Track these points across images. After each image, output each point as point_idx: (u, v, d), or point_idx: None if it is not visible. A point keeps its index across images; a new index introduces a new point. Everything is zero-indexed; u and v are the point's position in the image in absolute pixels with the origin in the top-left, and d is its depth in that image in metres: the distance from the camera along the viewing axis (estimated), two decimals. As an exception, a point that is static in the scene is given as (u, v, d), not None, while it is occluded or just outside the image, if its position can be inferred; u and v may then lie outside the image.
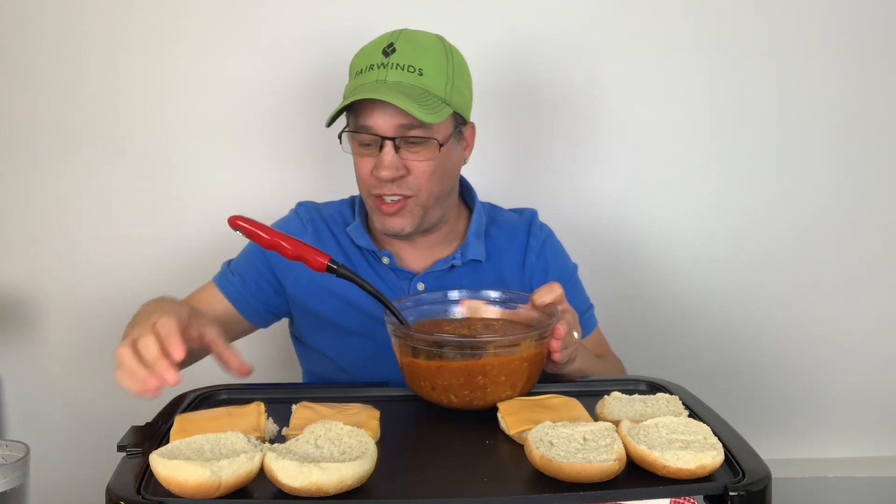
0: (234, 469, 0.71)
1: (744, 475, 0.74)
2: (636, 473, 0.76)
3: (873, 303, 1.71)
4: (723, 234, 1.68)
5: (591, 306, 1.33)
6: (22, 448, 0.92)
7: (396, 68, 1.11)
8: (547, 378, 1.05)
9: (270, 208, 1.32)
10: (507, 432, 0.86)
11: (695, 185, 1.68)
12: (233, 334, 1.26)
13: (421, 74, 1.11)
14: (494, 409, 0.91)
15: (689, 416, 0.88)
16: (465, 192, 1.30)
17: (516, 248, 1.28)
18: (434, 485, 0.77)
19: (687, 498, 0.73)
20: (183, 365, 0.86)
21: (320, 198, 1.33)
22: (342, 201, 1.32)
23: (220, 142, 1.63)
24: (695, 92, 1.65)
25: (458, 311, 1.09)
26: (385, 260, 1.23)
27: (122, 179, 1.63)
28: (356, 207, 1.27)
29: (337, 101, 1.14)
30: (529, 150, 1.67)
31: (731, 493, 0.72)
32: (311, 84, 1.60)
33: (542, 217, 1.34)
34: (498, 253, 1.26)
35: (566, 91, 1.64)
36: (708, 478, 0.75)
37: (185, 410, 0.93)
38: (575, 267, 1.34)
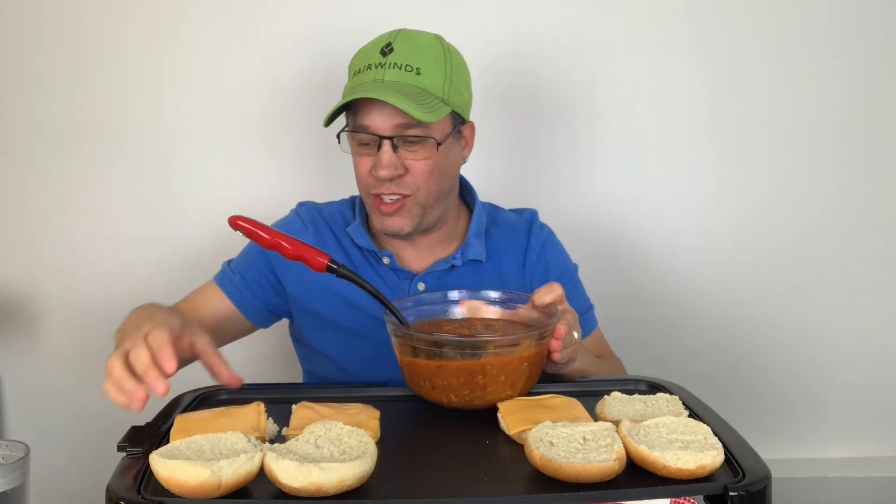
0: (234, 469, 0.71)
1: (744, 475, 0.74)
2: (636, 473, 0.75)
3: (873, 303, 1.71)
4: (723, 234, 1.68)
5: (591, 307, 1.33)
6: (22, 448, 0.92)
7: (394, 68, 1.11)
8: (547, 378, 1.05)
9: (270, 208, 1.32)
10: (507, 432, 0.86)
11: (695, 185, 1.68)
12: (233, 334, 1.26)
13: (418, 74, 1.11)
14: (494, 409, 0.91)
15: (689, 416, 0.88)
16: (466, 192, 1.30)
17: (517, 248, 1.28)
18: (434, 485, 0.77)
19: (687, 498, 0.73)
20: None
21: (320, 198, 1.33)
22: (342, 201, 1.32)
23: (220, 142, 1.63)
24: (695, 92, 1.65)
25: (458, 312, 1.09)
26: (385, 260, 1.23)
27: (122, 179, 1.63)
28: (356, 207, 1.27)
29: (337, 101, 1.14)
30: (529, 150, 1.67)
31: (731, 493, 0.72)
32: (311, 84, 1.60)
33: (543, 217, 1.34)
34: (498, 253, 1.26)
35: (566, 91, 1.64)
36: (708, 478, 0.74)
37: (185, 410, 0.93)
38: (575, 267, 1.34)
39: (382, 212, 1.16)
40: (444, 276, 1.23)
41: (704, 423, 0.83)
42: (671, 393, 0.96)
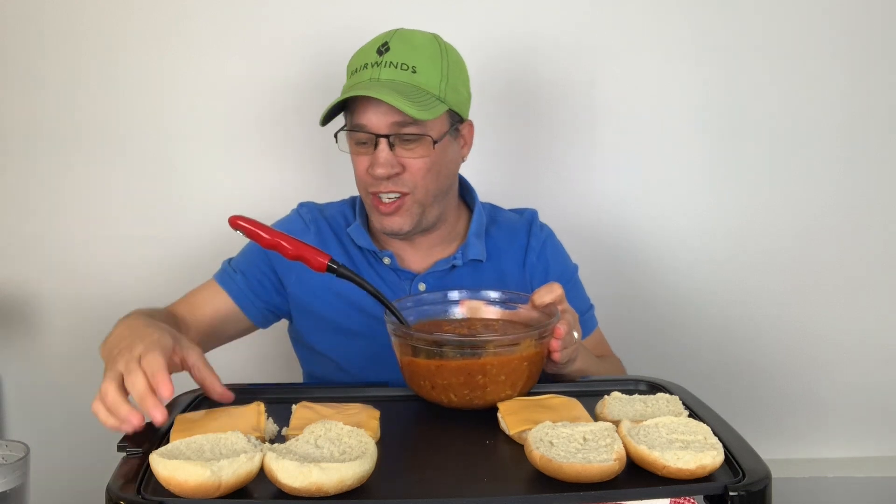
0: (234, 469, 0.71)
1: (744, 475, 0.74)
2: (636, 473, 0.75)
3: (873, 303, 1.71)
4: (723, 234, 1.68)
5: (591, 307, 1.33)
6: (22, 448, 0.92)
7: (390, 66, 1.12)
8: (547, 378, 1.05)
9: (270, 208, 1.32)
10: (507, 432, 0.86)
11: (695, 185, 1.68)
12: (232, 333, 1.26)
13: (414, 72, 1.11)
14: (494, 409, 0.91)
15: (689, 416, 0.88)
16: (465, 192, 1.30)
17: (517, 248, 1.28)
18: (434, 485, 0.77)
19: (687, 498, 0.73)
20: None
21: (320, 198, 1.33)
22: (343, 202, 1.32)
23: (220, 142, 1.63)
24: (694, 92, 1.65)
25: (458, 312, 1.09)
26: (386, 260, 1.23)
27: (122, 179, 1.63)
28: (357, 208, 1.27)
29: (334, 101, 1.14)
30: (529, 150, 1.67)
31: (731, 493, 0.71)
32: (311, 84, 1.60)
33: (542, 217, 1.34)
34: (498, 253, 1.26)
35: (566, 91, 1.64)
36: (708, 478, 0.74)
37: (184, 410, 0.93)
38: (575, 267, 1.34)
39: (381, 211, 1.16)
40: (445, 276, 1.23)
41: (704, 423, 0.83)
42: (671, 393, 0.96)
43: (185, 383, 0.95)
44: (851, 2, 1.62)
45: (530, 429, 0.81)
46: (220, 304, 1.23)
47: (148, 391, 0.82)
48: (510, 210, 1.35)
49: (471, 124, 1.23)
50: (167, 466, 0.71)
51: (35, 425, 1.68)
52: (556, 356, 0.99)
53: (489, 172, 1.60)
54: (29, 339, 1.66)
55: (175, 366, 0.90)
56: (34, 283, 1.65)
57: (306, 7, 1.60)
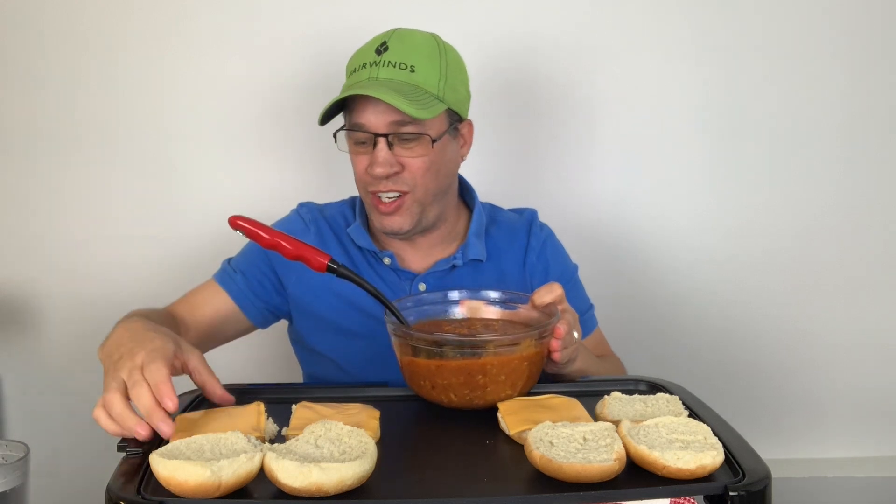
0: (234, 469, 0.71)
1: (744, 475, 0.74)
2: (636, 473, 0.75)
3: (873, 303, 1.71)
4: (723, 234, 1.68)
5: (591, 306, 1.33)
6: (22, 448, 0.92)
7: (388, 66, 1.12)
8: (547, 378, 1.05)
9: (270, 208, 1.32)
10: (507, 432, 0.86)
11: (695, 185, 1.68)
12: (231, 333, 1.26)
13: (412, 71, 1.12)
14: (494, 409, 0.91)
15: (689, 416, 0.88)
16: (465, 192, 1.30)
17: (517, 247, 1.28)
18: (434, 485, 0.77)
19: (687, 498, 0.73)
20: None
21: (320, 198, 1.33)
22: (343, 202, 1.32)
23: (220, 142, 1.63)
24: (694, 92, 1.65)
25: (458, 312, 1.09)
26: (386, 260, 1.23)
27: (122, 179, 1.63)
28: (357, 208, 1.27)
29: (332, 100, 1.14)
30: (529, 150, 1.67)
31: (731, 493, 0.71)
32: (311, 84, 1.60)
33: (542, 217, 1.34)
34: (499, 253, 1.26)
35: (566, 91, 1.64)
36: (708, 478, 0.74)
37: (185, 410, 0.93)
38: (575, 267, 1.34)
39: (381, 211, 1.16)
40: (445, 277, 1.23)
41: (704, 423, 0.83)
42: (671, 393, 0.96)
43: (185, 383, 0.95)
44: (851, 2, 1.62)
45: (530, 429, 0.81)
46: (220, 304, 1.22)
47: (155, 406, 0.81)
48: (510, 210, 1.35)
49: (470, 124, 1.23)
50: (167, 466, 0.71)
51: (35, 425, 1.67)
52: (557, 356, 0.99)
53: (489, 172, 1.60)
54: (29, 339, 1.66)
55: (176, 370, 0.89)
56: (34, 283, 1.65)
57: (306, 7, 1.60)
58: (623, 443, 0.77)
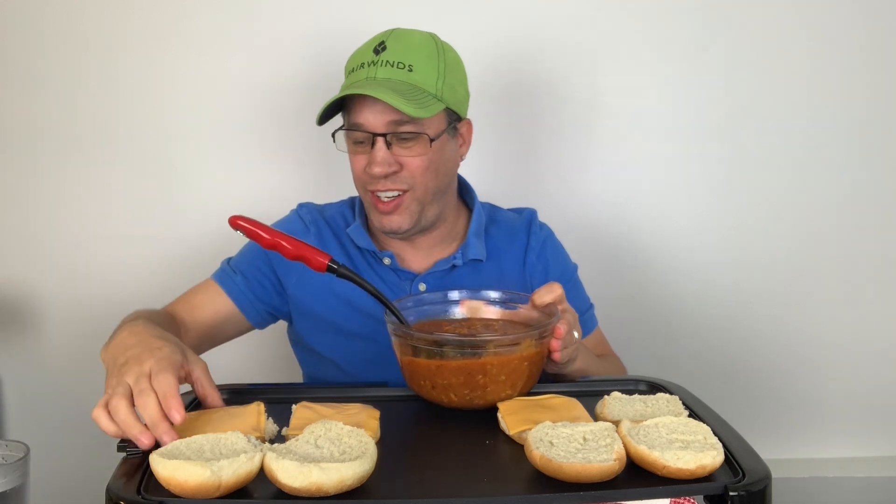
0: (234, 469, 0.71)
1: (744, 475, 0.74)
2: (636, 473, 0.75)
3: (873, 303, 1.71)
4: (723, 235, 1.68)
5: (591, 306, 1.33)
6: (22, 448, 0.92)
7: (386, 65, 1.12)
8: (547, 378, 1.05)
9: (270, 208, 1.32)
10: (507, 432, 0.86)
11: (695, 185, 1.68)
12: (230, 334, 1.26)
13: (410, 71, 1.12)
14: (494, 409, 0.91)
15: (689, 416, 0.88)
16: (465, 192, 1.30)
17: (517, 247, 1.28)
18: (434, 485, 0.77)
19: (687, 498, 0.73)
20: None
21: (320, 198, 1.33)
22: (342, 202, 1.32)
23: (220, 142, 1.63)
24: (694, 92, 1.65)
25: (459, 312, 1.09)
26: (386, 261, 1.23)
27: (122, 179, 1.63)
28: (356, 208, 1.27)
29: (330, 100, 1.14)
30: (529, 150, 1.67)
31: (731, 493, 0.72)
32: (310, 84, 1.60)
33: (542, 217, 1.34)
34: (498, 252, 1.26)
35: (566, 91, 1.64)
36: (708, 478, 0.74)
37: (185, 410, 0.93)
38: (575, 267, 1.34)
39: (380, 210, 1.16)
40: (445, 277, 1.23)
41: (704, 423, 0.83)
42: (671, 393, 0.96)
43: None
44: (852, 7, 1.62)
45: (530, 429, 0.81)
46: (220, 305, 1.22)
47: (161, 417, 0.81)
48: (509, 210, 1.35)
49: (469, 123, 1.23)
50: (167, 466, 0.71)
51: (35, 425, 1.67)
52: (557, 356, 0.99)
53: (489, 172, 1.61)
54: (29, 339, 1.66)
55: (180, 379, 0.89)
56: (34, 283, 1.65)
57: (306, 7, 1.60)
58: (623, 443, 0.77)
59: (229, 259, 1.28)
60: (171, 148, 1.63)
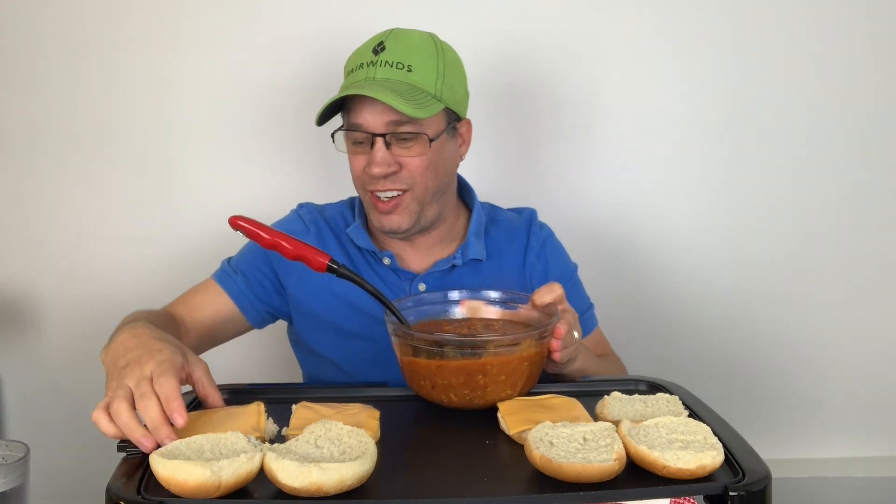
0: (234, 469, 0.71)
1: (744, 475, 0.74)
2: (636, 473, 0.75)
3: (873, 303, 1.70)
4: (723, 235, 1.68)
5: (591, 306, 1.33)
6: (22, 448, 0.92)
7: (385, 65, 1.12)
8: (547, 378, 1.05)
9: (270, 208, 1.32)
10: (507, 432, 0.86)
11: (695, 185, 1.68)
12: (230, 334, 1.26)
13: (410, 71, 1.12)
14: (494, 409, 0.91)
15: (689, 416, 0.88)
16: (464, 192, 1.30)
17: (517, 247, 1.28)
18: (434, 485, 0.77)
19: (687, 498, 0.73)
20: None
21: (320, 198, 1.33)
22: (342, 202, 1.32)
23: (220, 142, 1.63)
24: (695, 92, 1.64)
25: (459, 312, 1.09)
26: (386, 261, 1.23)
27: (122, 179, 1.63)
28: (356, 208, 1.27)
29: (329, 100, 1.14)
30: (529, 150, 1.67)
31: (731, 493, 0.72)
32: (310, 84, 1.60)
33: (542, 217, 1.34)
34: (498, 252, 1.26)
35: (565, 91, 1.64)
36: (708, 478, 0.74)
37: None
38: (575, 267, 1.34)
39: (380, 210, 1.16)
40: (445, 276, 1.23)
41: (704, 423, 0.83)
42: (671, 393, 0.96)
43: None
44: (852, 6, 1.62)
45: (530, 429, 0.81)
46: (220, 305, 1.22)
47: (163, 421, 0.80)
48: (509, 210, 1.35)
49: (469, 123, 1.23)
50: (167, 466, 0.71)
51: (35, 425, 1.67)
52: (557, 356, 0.99)
53: (489, 172, 1.61)
54: (29, 339, 1.66)
55: (182, 382, 0.89)
56: (34, 283, 1.65)
57: (306, 7, 1.60)
58: (623, 443, 0.77)
59: (229, 259, 1.28)
60: (171, 148, 1.63)
